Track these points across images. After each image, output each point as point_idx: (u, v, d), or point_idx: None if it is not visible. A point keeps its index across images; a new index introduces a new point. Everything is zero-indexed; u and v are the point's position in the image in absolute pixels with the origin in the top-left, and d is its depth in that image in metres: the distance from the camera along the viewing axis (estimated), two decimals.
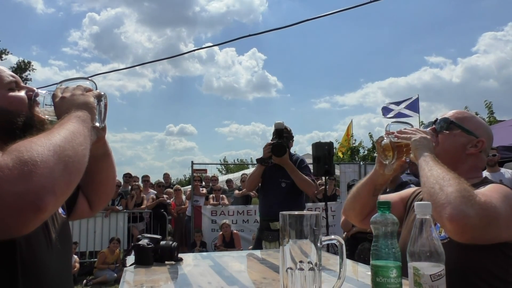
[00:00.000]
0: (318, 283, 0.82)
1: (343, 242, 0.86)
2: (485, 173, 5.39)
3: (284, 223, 0.83)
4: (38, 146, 0.83)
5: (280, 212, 0.86)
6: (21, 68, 26.65)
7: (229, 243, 7.40)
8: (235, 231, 7.66)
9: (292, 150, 4.13)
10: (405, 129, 1.51)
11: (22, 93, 1.20)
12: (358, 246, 4.83)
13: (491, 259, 1.27)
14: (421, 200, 1.49)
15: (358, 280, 1.36)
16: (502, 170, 5.62)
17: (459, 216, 1.10)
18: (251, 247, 6.60)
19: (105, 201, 1.42)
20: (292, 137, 4.13)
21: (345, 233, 6.02)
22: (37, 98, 1.18)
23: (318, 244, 0.82)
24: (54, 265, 1.11)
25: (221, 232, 7.58)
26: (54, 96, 1.17)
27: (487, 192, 1.24)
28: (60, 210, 1.25)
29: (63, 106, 1.11)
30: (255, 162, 4.23)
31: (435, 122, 1.55)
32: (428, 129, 1.52)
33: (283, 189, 3.79)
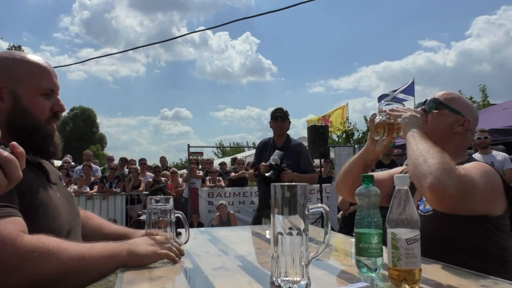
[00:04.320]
0: (305, 246, 0.91)
1: (327, 209, 0.94)
2: (477, 155, 5.52)
3: (275, 193, 0.91)
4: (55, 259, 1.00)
5: (271, 184, 0.94)
6: None
7: (226, 223, 7.53)
8: (231, 212, 7.79)
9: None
10: (396, 107, 1.60)
11: (48, 103, 1.29)
12: (351, 226, 4.98)
13: (471, 231, 1.36)
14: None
15: (347, 250, 1.46)
16: (494, 152, 5.73)
17: (438, 186, 1.19)
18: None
19: None
20: (289, 118, 4.17)
21: (342, 212, 6.16)
22: None
23: (306, 212, 0.91)
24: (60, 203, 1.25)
25: (218, 213, 7.71)
26: None
27: (468, 167, 1.33)
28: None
29: None
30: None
31: (424, 103, 1.64)
32: (418, 109, 1.61)
33: (273, 164, 3.80)
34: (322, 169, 7.67)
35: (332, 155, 8.75)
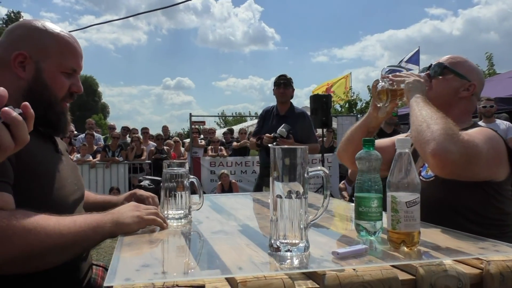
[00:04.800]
0: (304, 209, 0.90)
1: (327, 172, 0.94)
2: (481, 124, 5.49)
3: (274, 156, 0.90)
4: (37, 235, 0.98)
5: (271, 146, 0.93)
6: (12, 20, 26.06)
7: (227, 192, 7.60)
8: (233, 181, 7.85)
9: None
10: (399, 73, 1.56)
11: (68, 82, 1.27)
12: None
13: (472, 196, 1.36)
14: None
15: (347, 215, 1.46)
16: (498, 121, 5.69)
17: (441, 151, 1.18)
18: None
19: None
20: (292, 85, 4.11)
21: (353, 184, 6.15)
22: None
23: (305, 175, 0.90)
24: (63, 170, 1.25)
25: (219, 182, 7.77)
26: None
27: (472, 133, 1.32)
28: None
29: None
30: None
31: (429, 68, 1.60)
32: (422, 74, 1.57)
33: (277, 135, 3.78)
34: (324, 138, 7.66)
35: (334, 125, 8.72)
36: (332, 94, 12.63)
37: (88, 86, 42.60)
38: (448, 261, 0.85)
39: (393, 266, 0.82)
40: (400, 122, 7.61)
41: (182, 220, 1.30)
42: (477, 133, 1.33)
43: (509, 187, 1.39)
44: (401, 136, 1.82)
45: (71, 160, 1.43)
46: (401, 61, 14.24)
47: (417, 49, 14.45)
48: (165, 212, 1.31)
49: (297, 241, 0.90)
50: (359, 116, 9.38)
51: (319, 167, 0.95)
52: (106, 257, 4.20)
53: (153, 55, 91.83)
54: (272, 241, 0.91)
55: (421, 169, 1.50)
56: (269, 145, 3.78)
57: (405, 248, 0.94)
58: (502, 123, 5.65)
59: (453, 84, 1.52)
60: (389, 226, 0.97)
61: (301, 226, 0.90)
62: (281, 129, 3.79)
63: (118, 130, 9.38)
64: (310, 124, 4.14)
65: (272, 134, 3.78)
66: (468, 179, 1.30)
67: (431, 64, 1.59)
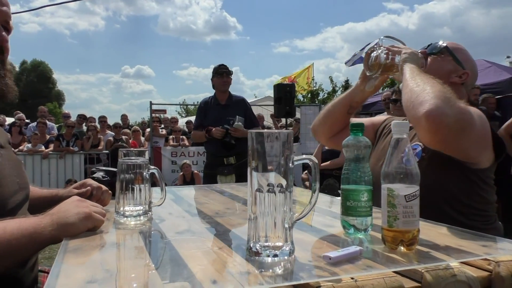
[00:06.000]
0: (289, 205, 0.76)
1: (316, 161, 0.79)
2: None
3: (252, 142, 0.75)
4: None
5: (249, 130, 0.77)
6: None
7: (189, 183, 7.38)
8: (195, 171, 7.63)
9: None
10: (397, 45, 1.47)
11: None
12: (323, 182, 4.92)
13: (457, 183, 1.29)
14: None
15: (324, 209, 1.33)
16: None
17: (437, 113, 1.08)
18: None
19: None
20: (231, 73, 4.07)
21: None
22: None
23: (290, 165, 0.76)
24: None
25: (181, 173, 7.54)
26: None
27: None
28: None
29: None
30: None
31: (427, 47, 1.52)
32: (419, 50, 1.49)
33: (228, 128, 3.81)
34: (291, 128, 7.58)
35: (297, 115, 8.66)
36: (295, 83, 12.58)
37: (40, 73, 40.51)
38: (455, 264, 0.73)
39: (395, 272, 0.69)
40: (362, 112, 7.64)
41: (141, 217, 1.13)
42: (470, 108, 1.26)
43: (492, 175, 1.34)
44: (382, 116, 1.71)
45: (14, 154, 1.22)
46: (363, 49, 14.41)
47: (376, 40, 14.65)
48: (121, 209, 1.13)
49: (280, 244, 0.75)
50: (322, 106, 9.35)
51: (304, 156, 0.81)
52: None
53: (112, 42, 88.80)
54: (251, 244, 0.76)
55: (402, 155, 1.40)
56: (225, 139, 3.78)
57: (403, 248, 0.81)
58: None
59: (448, 66, 1.45)
60: (384, 223, 0.84)
61: (285, 226, 0.76)
62: (237, 123, 3.80)
63: (73, 118, 8.90)
64: (251, 109, 4.17)
65: (222, 127, 3.78)
66: (456, 154, 1.22)
67: (430, 44, 1.51)
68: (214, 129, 3.80)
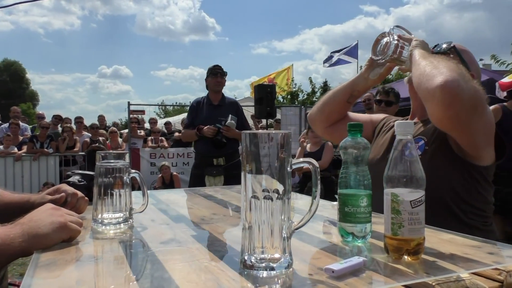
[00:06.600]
0: (287, 213, 0.69)
1: (317, 165, 0.72)
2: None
3: (247, 144, 0.68)
4: None
5: (243, 131, 0.70)
6: None
7: (168, 185, 7.24)
8: (174, 173, 7.50)
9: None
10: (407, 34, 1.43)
11: None
12: (307, 184, 4.86)
13: (458, 178, 1.26)
14: (392, 127, 1.44)
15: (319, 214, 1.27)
16: None
17: (453, 84, 1.06)
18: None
19: None
20: (226, 74, 4.05)
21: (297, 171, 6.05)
22: None
23: (288, 169, 0.69)
24: None
25: (160, 175, 7.39)
26: None
27: None
28: None
29: None
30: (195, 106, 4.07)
31: (434, 47, 1.48)
32: None
33: (220, 127, 3.79)
34: (272, 129, 7.53)
35: (278, 116, 8.63)
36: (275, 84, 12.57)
37: (13, 72, 39.34)
38: (465, 275, 0.68)
39: (405, 286, 0.63)
40: None
41: (121, 225, 1.04)
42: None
43: (492, 175, 1.31)
44: (383, 115, 1.67)
45: None
46: (339, 51, 14.53)
47: (355, 42, 14.80)
48: (99, 216, 1.04)
49: (278, 256, 0.68)
50: (302, 107, 9.34)
51: (301, 159, 0.74)
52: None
53: (88, 42, 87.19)
54: (246, 256, 0.69)
55: (407, 157, 1.37)
56: (218, 138, 3.75)
57: (408, 258, 0.76)
58: None
59: None
60: (387, 231, 0.78)
61: (283, 236, 0.69)
62: (230, 121, 3.77)
63: (48, 119, 8.62)
64: (242, 112, 4.16)
65: (214, 126, 3.75)
66: (463, 137, 1.20)
67: (437, 44, 1.47)
68: (205, 127, 3.75)
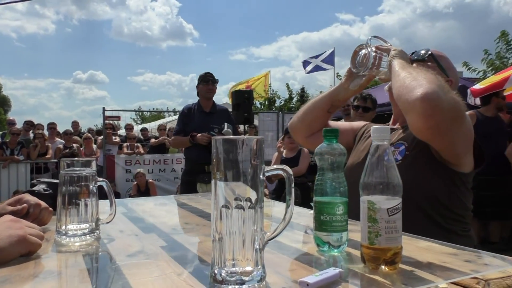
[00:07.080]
0: (260, 224, 0.66)
1: (290, 172, 0.69)
2: None
3: (218, 150, 0.64)
4: None
5: (212, 137, 0.67)
6: None
7: (144, 192, 7.11)
8: (150, 180, 7.37)
9: None
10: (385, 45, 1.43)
11: None
12: (284, 190, 4.84)
13: (438, 183, 1.26)
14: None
15: (293, 222, 1.24)
16: None
17: (433, 96, 1.06)
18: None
19: None
20: (217, 81, 4.11)
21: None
22: None
23: (261, 176, 0.66)
24: None
25: (135, 182, 7.25)
26: None
27: None
28: None
29: None
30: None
31: (412, 54, 1.49)
32: None
33: (215, 134, 3.79)
34: (247, 135, 7.50)
35: (255, 122, 8.62)
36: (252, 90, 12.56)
37: None
38: (443, 285, 0.66)
39: None
40: None
41: (87, 237, 0.99)
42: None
43: (471, 182, 1.31)
44: (363, 122, 1.66)
45: None
46: (317, 57, 14.67)
47: (332, 49, 14.96)
48: (63, 227, 0.98)
49: (250, 269, 0.65)
50: (279, 113, 9.35)
51: (275, 166, 0.71)
52: None
53: (63, 47, 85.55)
54: (216, 270, 0.65)
55: (383, 163, 1.36)
56: (213, 137, 3.70)
57: (386, 268, 0.73)
58: None
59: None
60: (364, 240, 0.75)
61: (256, 247, 0.66)
62: (227, 130, 3.80)
63: (20, 126, 8.36)
64: (233, 120, 4.21)
65: (208, 133, 3.76)
66: (443, 146, 1.20)
67: (415, 51, 1.48)
68: (199, 134, 3.75)
